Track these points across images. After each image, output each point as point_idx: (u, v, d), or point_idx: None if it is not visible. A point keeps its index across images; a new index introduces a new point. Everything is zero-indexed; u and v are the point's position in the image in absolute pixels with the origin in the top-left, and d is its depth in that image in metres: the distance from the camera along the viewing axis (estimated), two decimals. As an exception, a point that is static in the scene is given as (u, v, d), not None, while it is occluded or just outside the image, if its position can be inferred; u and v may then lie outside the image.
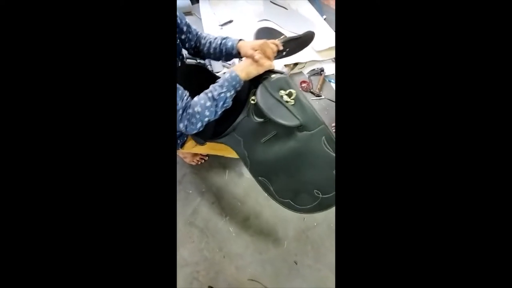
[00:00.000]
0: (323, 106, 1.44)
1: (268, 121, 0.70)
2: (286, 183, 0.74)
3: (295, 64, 1.55)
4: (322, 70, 1.58)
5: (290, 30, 1.69)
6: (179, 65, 0.84)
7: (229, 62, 1.55)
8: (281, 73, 0.71)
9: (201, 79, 0.86)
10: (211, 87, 0.68)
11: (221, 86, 0.67)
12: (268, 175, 0.75)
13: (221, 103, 0.68)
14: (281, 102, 0.66)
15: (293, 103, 0.67)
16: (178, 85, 0.62)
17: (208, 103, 0.66)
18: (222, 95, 0.67)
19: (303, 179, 0.71)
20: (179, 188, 1.04)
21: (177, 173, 1.08)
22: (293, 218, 1.03)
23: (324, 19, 1.80)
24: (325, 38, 1.68)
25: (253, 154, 0.75)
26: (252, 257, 0.95)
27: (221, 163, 1.12)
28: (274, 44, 0.74)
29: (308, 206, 0.72)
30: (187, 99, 0.65)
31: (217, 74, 0.95)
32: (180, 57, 0.86)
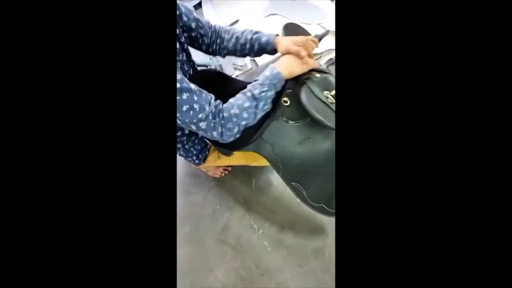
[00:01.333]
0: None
1: (302, 124, 0.67)
2: (320, 187, 0.72)
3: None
4: (339, 58, 1.47)
5: (302, 21, 1.59)
6: (191, 73, 0.77)
7: (240, 64, 1.48)
8: (325, 72, 0.65)
9: (222, 87, 0.78)
10: (249, 86, 0.60)
11: (262, 85, 0.59)
12: (302, 180, 0.72)
13: (262, 104, 0.59)
14: (326, 104, 0.61)
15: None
16: (200, 89, 0.54)
17: (247, 103, 0.57)
18: (263, 94, 0.58)
19: None
20: (205, 203, 0.98)
21: (202, 188, 1.02)
22: (331, 224, 0.94)
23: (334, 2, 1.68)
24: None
25: (285, 159, 0.70)
26: (292, 271, 0.87)
27: (245, 171, 1.04)
28: (313, 41, 0.67)
29: None
30: (215, 102, 0.56)
31: (238, 79, 0.86)
32: (191, 63, 0.78)
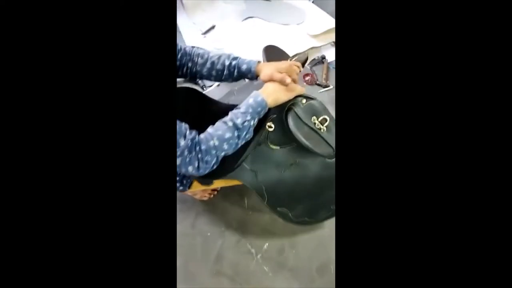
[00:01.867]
0: (333, 97, 1.27)
1: (288, 149, 0.66)
2: (305, 207, 0.72)
3: (294, 56, 1.39)
4: (323, 57, 1.41)
5: (280, 22, 1.53)
6: None
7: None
8: (312, 98, 0.64)
9: (194, 105, 0.70)
10: (231, 114, 0.54)
11: (245, 113, 0.54)
12: (289, 204, 0.71)
13: (244, 133, 0.54)
14: (314, 130, 0.60)
15: (325, 129, 0.61)
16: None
17: (228, 134, 0.52)
18: (246, 123, 0.53)
19: (323, 200, 0.71)
20: (194, 232, 0.89)
21: (189, 215, 0.92)
22: (333, 237, 0.86)
23: (312, 2, 1.63)
24: (319, 21, 1.51)
25: (271, 186, 0.68)
26: (298, 297, 0.78)
27: (236, 190, 0.95)
28: (297, 67, 0.63)
29: (321, 217, 0.74)
30: (191, 134, 0.50)
31: (209, 95, 0.79)
32: None
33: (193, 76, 0.68)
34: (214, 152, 0.51)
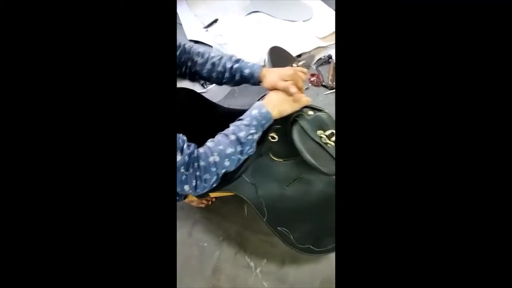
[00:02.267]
0: (343, 100, 1.20)
1: (292, 163, 0.60)
2: (309, 229, 0.67)
3: (299, 56, 1.32)
4: (330, 57, 1.35)
5: (286, 19, 1.46)
6: None
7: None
8: (319, 110, 0.60)
9: (192, 109, 0.64)
10: (233, 126, 0.49)
11: (249, 126, 0.48)
12: (290, 224, 0.65)
13: (247, 148, 0.49)
14: (321, 146, 0.55)
15: (333, 145, 0.56)
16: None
17: (231, 149, 0.47)
18: (250, 137, 0.48)
19: (328, 223, 0.65)
20: (190, 241, 0.83)
21: (185, 223, 0.87)
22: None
23: (321, -1, 1.56)
24: (326, 21, 1.44)
25: (272, 201, 0.62)
26: (299, 316, 0.74)
27: (235, 197, 0.89)
28: (302, 73, 0.57)
29: (329, 247, 0.68)
30: (189, 148, 0.44)
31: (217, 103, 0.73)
32: None
33: (192, 76, 0.63)
34: (214, 169, 0.46)
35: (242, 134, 0.48)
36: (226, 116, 0.64)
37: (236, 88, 0.92)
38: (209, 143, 0.48)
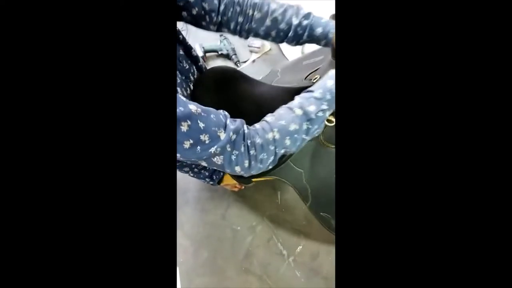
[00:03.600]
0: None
1: None
2: None
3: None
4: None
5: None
6: (194, 74, 0.58)
7: (257, 46, 1.25)
8: None
9: (244, 94, 0.56)
10: (300, 99, 0.41)
11: (320, 100, 0.39)
12: (332, 210, 0.64)
13: (315, 127, 0.40)
14: None
15: None
16: (205, 108, 0.36)
17: (295, 126, 0.39)
18: (321, 114, 0.39)
19: None
20: (224, 224, 0.84)
21: (219, 205, 0.87)
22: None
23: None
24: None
25: (318, 189, 0.61)
26: (331, 308, 0.72)
27: (269, 183, 0.87)
28: None
29: None
30: (234, 124, 0.37)
31: (266, 83, 0.65)
32: (192, 59, 0.58)
33: (246, 34, 0.53)
34: (272, 148, 0.38)
35: (311, 109, 0.38)
36: (272, 95, 0.58)
37: (277, 69, 0.84)
38: (268, 117, 0.41)
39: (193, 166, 0.63)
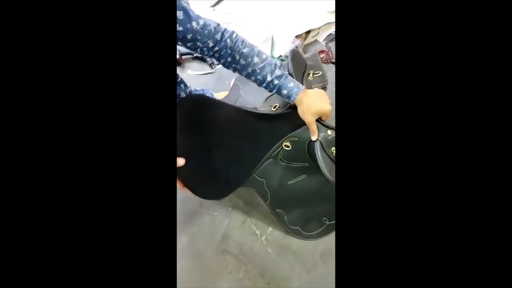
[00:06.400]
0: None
1: (299, 167, 0.74)
2: (301, 213, 0.81)
3: (308, 33, 1.30)
4: (340, 33, 1.31)
5: (305, 5, 1.41)
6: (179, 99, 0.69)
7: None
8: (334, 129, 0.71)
9: (204, 112, 0.67)
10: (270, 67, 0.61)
11: (281, 77, 0.62)
12: (287, 207, 0.80)
13: (265, 73, 0.61)
14: (331, 159, 0.67)
15: None
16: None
17: (256, 60, 0.60)
18: (272, 79, 0.61)
19: (318, 211, 0.80)
20: (202, 211, 0.91)
21: (197, 195, 0.94)
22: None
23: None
24: (338, -7, 1.38)
25: (276, 192, 0.78)
26: (300, 279, 0.80)
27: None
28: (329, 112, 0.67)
29: (314, 232, 0.82)
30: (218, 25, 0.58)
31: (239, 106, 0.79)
32: (182, 86, 0.73)
33: (229, 68, 0.64)
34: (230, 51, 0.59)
35: (277, 72, 0.60)
36: (236, 116, 0.72)
37: (239, 83, 0.95)
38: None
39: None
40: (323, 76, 0.79)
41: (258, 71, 0.60)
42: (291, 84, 0.61)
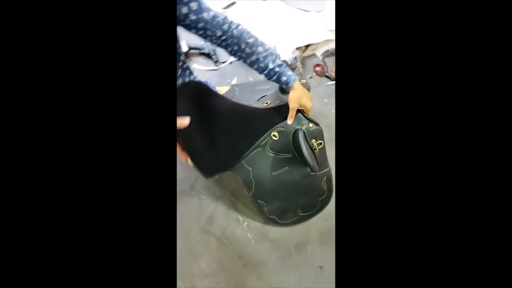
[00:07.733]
0: (341, 92, 1.31)
1: (283, 158, 0.81)
2: (280, 205, 0.89)
3: (307, 46, 1.41)
4: (337, 50, 1.43)
5: (300, 8, 1.53)
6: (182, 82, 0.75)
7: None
8: (317, 124, 0.80)
9: (202, 100, 0.74)
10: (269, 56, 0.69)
11: (280, 66, 0.70)
12: (267, 199, 0.87)
13: (268, 61, 0.68)
14: (312, 150, 0.76)
15: (318, 150, 0.78)
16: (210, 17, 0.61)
17: (261, 49, 0.67)
18: (273, 66, 0.69)
19: (295, 204, 0.89)
20: (192, 194, 0.98)
21: (189, 177, 1.01)
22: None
23: (337, -8, 1.61)
24: (339, 14, 1.50)
25: (260, 182, 0.84)
26: (274, 265, 0.89)
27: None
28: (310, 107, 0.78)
29: (288, 221, 0.92)
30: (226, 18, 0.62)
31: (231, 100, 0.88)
32: (187, 72, 0.77)
33: (236, 57, 0.70)
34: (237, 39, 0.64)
35: (276, 62, 0.68)
36: (231, 108, 0.80)
37: (235, 87, 1.04)
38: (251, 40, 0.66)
39: None
40: (306, 83, 0.90)
41: (261, 59, 0.67)
42: (289, 72, 0.71)
